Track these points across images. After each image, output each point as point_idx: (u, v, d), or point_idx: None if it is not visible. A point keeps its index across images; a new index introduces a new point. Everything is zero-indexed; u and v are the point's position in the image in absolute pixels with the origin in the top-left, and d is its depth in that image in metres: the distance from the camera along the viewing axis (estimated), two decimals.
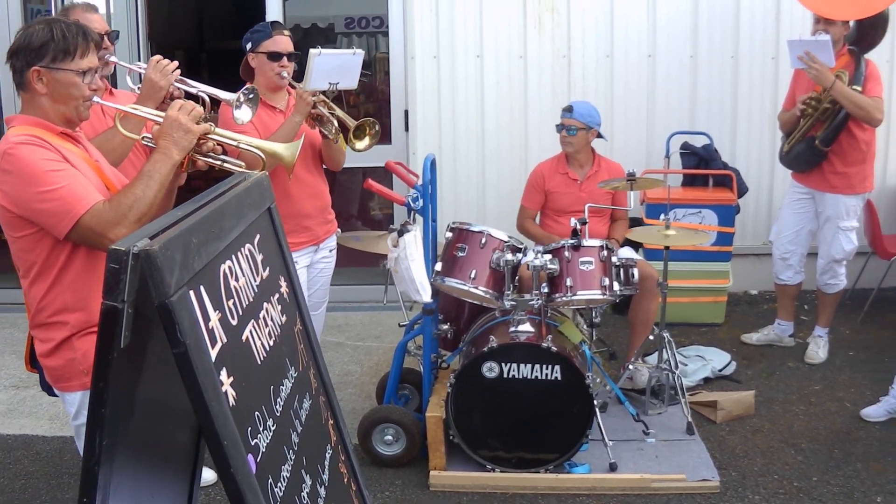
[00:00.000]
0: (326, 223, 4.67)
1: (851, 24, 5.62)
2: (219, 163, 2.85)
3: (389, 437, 4.49)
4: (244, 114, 3.39)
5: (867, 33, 5.69)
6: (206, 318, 1.96)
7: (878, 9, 5.59)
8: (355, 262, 5.96)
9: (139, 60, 6.67)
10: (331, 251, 4.73)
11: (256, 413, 2.13)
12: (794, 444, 4.78)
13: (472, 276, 4.50)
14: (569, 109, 5.46)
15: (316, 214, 4.57)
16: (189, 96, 3.41)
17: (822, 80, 5.38)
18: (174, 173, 2.79)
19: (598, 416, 4.42)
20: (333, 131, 4.37)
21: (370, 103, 8.71)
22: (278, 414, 2.28)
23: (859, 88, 5.39)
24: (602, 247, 4.62)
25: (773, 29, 7.01)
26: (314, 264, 4.65)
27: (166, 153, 2.74)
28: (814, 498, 4.26)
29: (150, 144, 2.82)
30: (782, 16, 6.98)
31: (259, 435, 2.10)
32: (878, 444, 4.80)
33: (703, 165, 6.79)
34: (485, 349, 4.28)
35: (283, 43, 4.39)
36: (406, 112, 6.90)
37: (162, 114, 2.85)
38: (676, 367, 5.04)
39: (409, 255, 4.14)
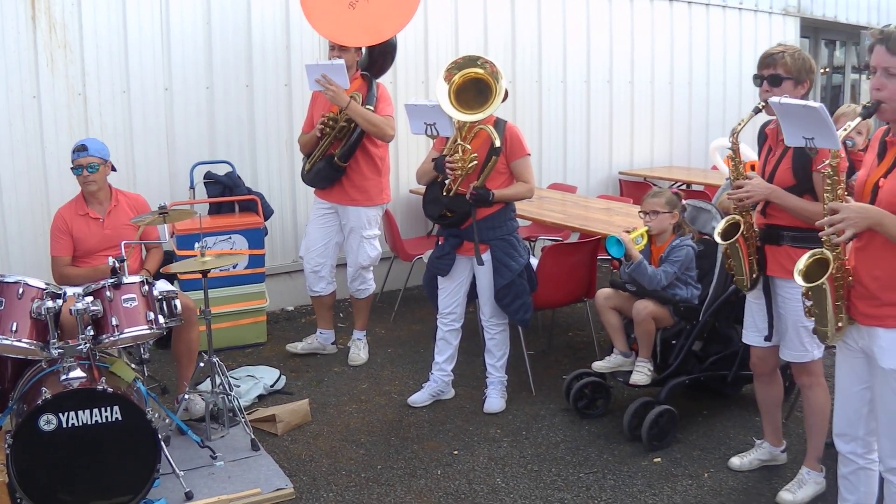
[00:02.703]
0: None
1: (363, 51, 6.15)
2: None
3: None
4: None
5: (377, 60, 6.33)
6: None
7: (386, 37, 6.20)
8: None
9: None
10: None
11: None
12: (355, 440, 5.13)
13: (14, 328, 4.25)
14: (83, 149, 5.32)
15: None
16: None
17: (339, 100, 5.81)
18: None
19: (165, 450, 4.40)
20: None
21: None
22: None
23: (372, 108, 5.90)
24: (143, 282, 4.60)
25: (284, 58, 7.43)
26: None
27: None
28: (382, 483, 4.62)
29: None
30: (292, 46, 7.43)
31: None
32: (429, 426, 5.33)
33: (228, 192, 6.97)
34: (38, 402, 4.06)
35: None
36: None
37: None
38: (231, 389, 5.15)
39: None
